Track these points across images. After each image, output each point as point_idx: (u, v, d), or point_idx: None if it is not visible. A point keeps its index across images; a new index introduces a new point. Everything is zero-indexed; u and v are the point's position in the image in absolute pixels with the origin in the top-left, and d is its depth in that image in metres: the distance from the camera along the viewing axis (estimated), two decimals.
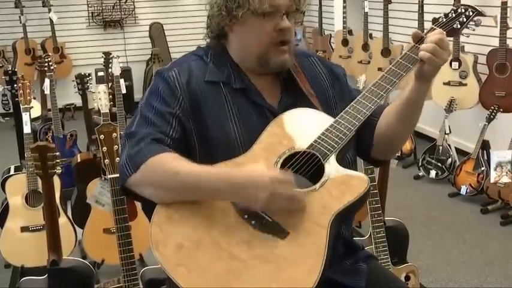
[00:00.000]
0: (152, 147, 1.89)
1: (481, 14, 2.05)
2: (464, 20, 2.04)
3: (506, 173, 4.99)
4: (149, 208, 1.89)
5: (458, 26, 2.04)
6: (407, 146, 6.22)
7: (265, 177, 1.75)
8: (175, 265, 1.73)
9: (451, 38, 5.59)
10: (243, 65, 2.05)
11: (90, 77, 4.97)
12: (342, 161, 1.93)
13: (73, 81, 5.02)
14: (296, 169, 1.87)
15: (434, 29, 2.01)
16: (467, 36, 2.15)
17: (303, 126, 1.96)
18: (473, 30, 2.10)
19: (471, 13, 2.04)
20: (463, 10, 2.04)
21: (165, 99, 1.97)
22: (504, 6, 5.24)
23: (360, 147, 2.12)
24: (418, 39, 2.00)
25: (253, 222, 1.78)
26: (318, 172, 1.86)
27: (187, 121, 1.96)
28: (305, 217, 1.78)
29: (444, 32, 1.98)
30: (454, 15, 2.05)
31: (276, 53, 2.00)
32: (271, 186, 1.73)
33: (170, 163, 1.85)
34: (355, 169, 2.10)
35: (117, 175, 2.87)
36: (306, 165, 1.87)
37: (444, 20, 2.04)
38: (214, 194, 1.81)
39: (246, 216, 1.79)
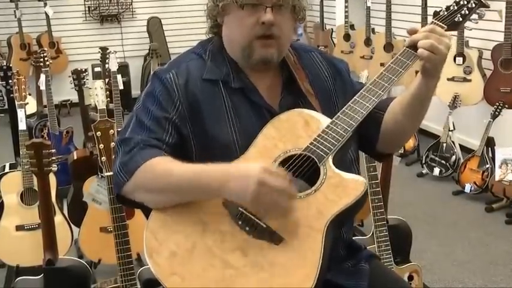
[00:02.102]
0: (145, 152, 1.88)
1: (484, 5, 2.03)
2: (466, 12, 2.02)
3: None
4: (148, 211, 1.89)
5: (460, 19, 2.02)
6: (410, 143, 6.22)
7: (256, 167, 1.73)
8: (168, 274, 1.73)
9: (455, 33, 5.59)
10: (236, 59, 2.03)
11: (87, 73, 4.98)
12: (343, 160, 1.93)
13: (69, 76, 5.03)
14: (292, 172, 1.86)
15: (435, 23, 2.00)
16: (470, 30, 2.14)
17: (300, 127, 1.94)
18: (476, 23, 2.08)
19: (473, 5, 2.02)
20: (465, 2, 2.02)
21: (161, 103, 1.96)
22: None
23: (365, 142, 2.12)
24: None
25: (247, 228, 1.78)
26: (315, 175, 1.85)
27: (184, 126, 1.95)
28: (300, 222, 1.77)
29: (435, 26, 1.95)
30: (455, 7, 2.03)
31: (260, 47, 1.96)
32: (261, 175, 1.70)
33: (163, 165, 1.85)
34: (358, 166, 2.10)
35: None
36: (302, 168, 1.86)
37: (445, 13, 2.03)
38: (208, 191, 1.80)
39: (240, 223, 1.78)
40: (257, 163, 1.78)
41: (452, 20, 2.02)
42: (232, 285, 1.70)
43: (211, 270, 1.72)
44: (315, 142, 1.88)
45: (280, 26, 1.97)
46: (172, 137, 1.94)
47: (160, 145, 1.91)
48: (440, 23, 1.99)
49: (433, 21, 2.01)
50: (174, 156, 1.89)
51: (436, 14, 2.03)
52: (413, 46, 1.94)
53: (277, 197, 1.73)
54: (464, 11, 2.02)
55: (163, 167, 1.85)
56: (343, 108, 1.94)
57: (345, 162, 1.94)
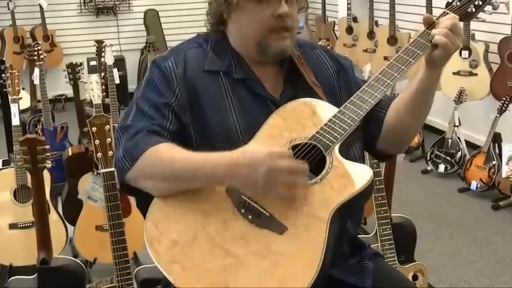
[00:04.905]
0: (149, 138, 1.90)
1: None
2: (480, 3, 2.02)
3: None
4: (144, 204, 1.89)
5: (473, 10, 2.03)
6: (415, 139, 6.21)
7: (261, 153, 1.75)
8: (169, 263, 1.74)
9: (461, 25, 5.58)
10: (243, 53, 2.05)
11: (82, 67, 4.97)
12: (347, 155, 1.93)
13: (64, 70, 5.02)
14: None
15: (447, 13, 2.00)
16: (483, 20, 2.13)
17: (306, 117, 1.96)
18: (490, 14, 2.08)
19: None
20: None
21: (161, 91, 1.98)
22: None
23: (366, 140, 2.12)
24: (430, 24, 1.99)
25: (250, 217, 1.78)
26: (321, 164, 1.86)
27: (183, 113, 1.97)
28: (304, 211, 1.78)
29: (457, 17, 1.96)
30: None
31: (276, 40, 1.99)
32: (269, 160, 1.72)
33: (167, 152, 1.87)
34: (363, 163, 2.10)
35: (111, 169, 2.89)
36: (307, 158, 1.86)
37: (458, 3, 2.03)
38: (212, 178, 1.81)
39: (243, 211, 1.79)
40: (261, 148, 1.78)
41: (465, 11, 2.02)
42: (234, 274, 1.71)
43: (213, 259, 1.73)
44: (321, 131, 1.89)
45: (292, 17, 2.01)
46: (173, 123, 1.96)
47: (161, 132, 1.93)
48: (452, 13, 1.99)
49: (445, 11, 2.01)
50: (176, 143, 1.90)
51: (448, 4, 2.03)
52: (425, 32, 1.96)
53: (290, 177, 1.75)
54: (478, 1, 2.02)
55: (167, 154, 1.86)
56: (351, 98, 1.96)
57: (349, 158, 1.93)
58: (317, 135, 1.89)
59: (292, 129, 1.93)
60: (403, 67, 1.96)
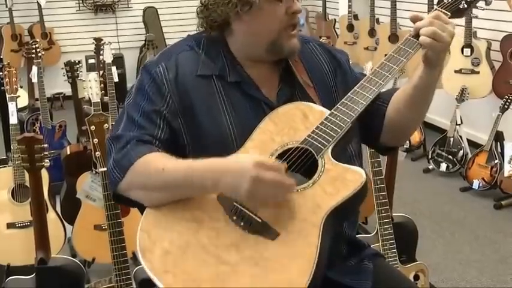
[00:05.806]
0: (138, 148, 1.89)
1: None
2: None
3: None
4: (144, 209, 1.89)
5: (465, 6, 2.02)
6: (416, 137, 6.22)
7: (249, 162, 1.72)
8: (161, 272, 1.73)
9: (463, 23, 5.57)
10: (248, 54, 2.03)
11: (80, 65, 4.97)
12: (343, 154, 1.93)
13: (62, 68, 5.02)
14: (289, 166, 1.85)
15: (439, 10, 1.99)
16: (475, 17, 2.13)
17: (298, 120, 1.95)
18: (483, 9, 2.08)
19: None
20: None
21: (151, 98, 1.97)
22: None
23: (369, 134, 2.12)
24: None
25: (242, 223, 1.77)
26: (313, 168, 1.85)
27: (175, 120, 1.96)
28: (296, 216, 1.77)
29: (439, 14, 1.95)
30: None
31: (288, 38, 1.99)
32: (255, 170, 1.70)
33: (156, 162, 1.85)
34: (360, 162, 2.10)
35: None
36: (299, 162, 1.86)
37: (449, 0, 2.03)
38: (202, 188, 1.80)
39: (234, 218, 1.79)
40: (250, 156, 1.78)
41: (456, 7, 2.02)
42: (226, 282, 1.70)
43: (205, 268, 1.72)
44: (312, 134, 1.89)
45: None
46: (164, 132, 1.95)
47: (152, 141, 1.93)
48: (444, 10, 1.99)
49: (436, 9, 2.01)
50: (168, 151, 1.90)
51: (440, 1, 2.03)
52: (417, 35, 1.95)
53: (274, 191, 1.73)
54: None
55: (157, 164, 1.85)
56: (343, 99, 1.95)
57: (345, 157, 1.94)
58: (308, 138, 1.88)
59: (284, 133, 1.92)
60: (394, 66, 1.96)
